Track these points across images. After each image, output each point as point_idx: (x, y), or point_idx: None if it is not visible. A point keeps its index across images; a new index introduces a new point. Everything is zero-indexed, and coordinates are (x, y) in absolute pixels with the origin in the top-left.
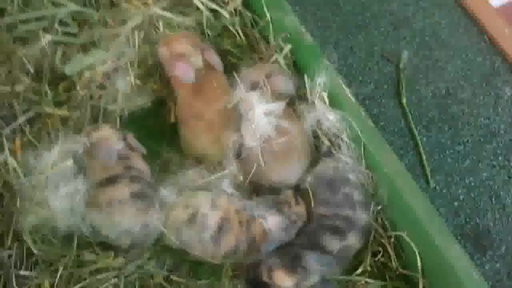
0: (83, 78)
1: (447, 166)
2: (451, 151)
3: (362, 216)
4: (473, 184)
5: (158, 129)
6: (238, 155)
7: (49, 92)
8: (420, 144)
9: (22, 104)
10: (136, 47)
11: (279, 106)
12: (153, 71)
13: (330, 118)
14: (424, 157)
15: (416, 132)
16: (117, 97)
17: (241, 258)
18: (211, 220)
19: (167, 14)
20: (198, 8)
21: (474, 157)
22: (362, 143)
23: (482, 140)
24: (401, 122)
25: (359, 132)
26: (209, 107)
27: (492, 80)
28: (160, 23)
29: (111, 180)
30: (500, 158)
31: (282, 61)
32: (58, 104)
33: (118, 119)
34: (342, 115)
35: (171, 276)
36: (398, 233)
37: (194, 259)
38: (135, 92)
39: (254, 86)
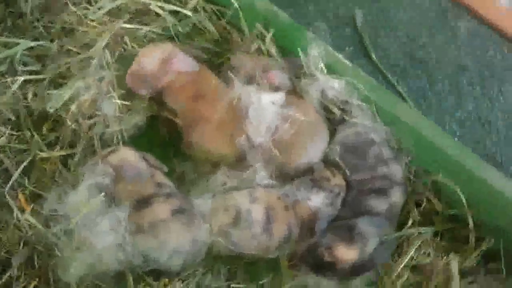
0: (70, 111)
1: (434, 106)
2: (432, 92)
3: (397, 171)
4: (463, 117)
5: (162, 144)
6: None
7: (36, 136)
8: (403, 93)
9: (11, 157)
10: (112, 67)
11: (281, 96)
12: None
13: (335, 86)
14: (411, 103)
15: (395, 83)
16: (110, 123)
17: (293, 246)
18: (256, 213)
19: (132, 27)
20: (159, 14)
21: (455, 93)
22: (373, 102)
23: (455, 75)
24: (378, 77)
25: (366, 92)
26: (214, 107)
27: (445, 19)
28: (127, 39)
29: (146, 201)
30: (477, 88)
31: (263, 48)
32: (48, 145)
33: (120, 143)
34: (345, 80)
35: (232, 285)
36: (434, 177)
37: (248, 261)
38: (127, 113)
39: (250, 80)
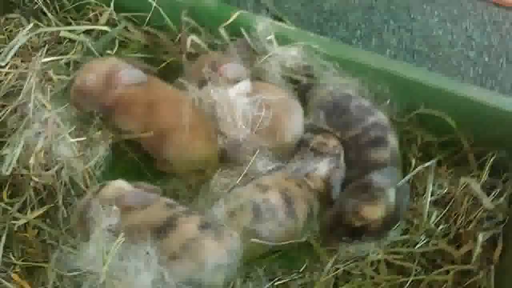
0: (31, 168)
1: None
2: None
3: (383, 116)
4: None
5: (136, 169)
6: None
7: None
8: None
9: None
10: (49, 107)
11: (246, 84)
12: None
13: (292, 55)
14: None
15: None
16: (74, 165)
17: (316, 222)
18: (274, 200)
19: (52, 59)
20: (73, 41)
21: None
22: (335, 59)
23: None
24: None
25: (325, 51)
26: (178, 114)
27: None
28: (51, 73)
29: (167, 225)
30: None
31: (199, 41)
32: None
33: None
34: (298, 46)
35: (275, 283)
36: (418, 111)
37: (281, 253)
38: (87, 148)
39: (203, 82)
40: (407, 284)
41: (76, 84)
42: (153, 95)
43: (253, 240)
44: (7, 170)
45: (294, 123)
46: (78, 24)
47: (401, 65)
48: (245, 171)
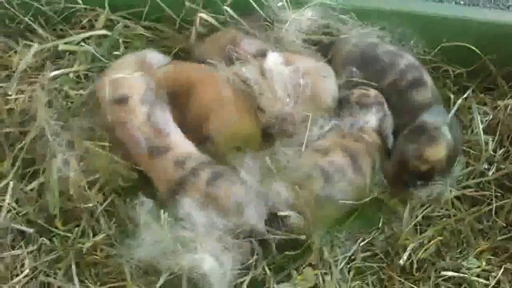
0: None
1: None
2: None
3: (411, 57)
4: None
5: None
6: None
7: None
8: None
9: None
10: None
11: (276, 56)
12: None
13: (308, 15)
14: None
15: None
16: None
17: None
18: (339, 160)
19: (59, 72)
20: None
21: None
22: (350, 12)
23: None
24: None
25: (340, 5)
26: (220, 89)
27: None
28: (65, 87)
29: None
30: None
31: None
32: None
33: None
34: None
35: (361, 244)
36: (444, 44)
37: (353, 217)
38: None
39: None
40: (493, 211)
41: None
42: (185, 72)
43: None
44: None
45: (332, 85)
46: (73, 34)
47: (415, 3)
48: (306, 138)
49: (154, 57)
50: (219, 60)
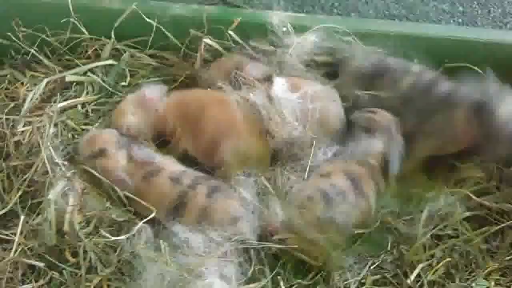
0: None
1: None
2: None
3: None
4: None
5: None
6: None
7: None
8: None
9: None
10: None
11: (282, 81)
12: None
13: (313, 39)
14: None
15: None
16: None
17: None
18: (340, 182)
19: (66, 104)
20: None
21: None
22: (353, 35)
23: None
24: None
25: (343, 29)
26: (231, 112)
27: None
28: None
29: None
30: None
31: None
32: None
33: None
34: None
35: (370, 267)
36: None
37: (361, 241)
38: None
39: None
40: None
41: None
42: (196, 100)
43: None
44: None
45: (338, 108)
46: (77, 65)
47: (417, 25)
48: (309, 162)
49: (153, 91)
50: (226, 84)
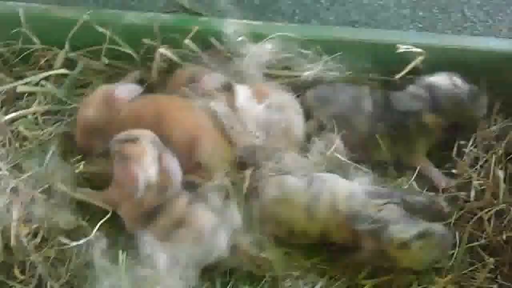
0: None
1: None
2: None
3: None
4: None
5: None
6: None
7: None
8: None
9: None
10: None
11: (244, 91)
12: None
13: (268, 49)
14: None
15: None
16: None
17: None
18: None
19: (15, 115)
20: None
21: None
22: (311, 43)
23: None
24: None
25: (300, 37)
26: (199, 116)
27: None
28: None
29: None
30: None
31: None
32: None
33: None
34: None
35: None
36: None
37: None
38: None
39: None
40: None
41: (80, 124)
42: (158, 104)
43: None
44: None
45: (301, 119)
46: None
47: (373, 31)
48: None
49: (124, 90)
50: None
